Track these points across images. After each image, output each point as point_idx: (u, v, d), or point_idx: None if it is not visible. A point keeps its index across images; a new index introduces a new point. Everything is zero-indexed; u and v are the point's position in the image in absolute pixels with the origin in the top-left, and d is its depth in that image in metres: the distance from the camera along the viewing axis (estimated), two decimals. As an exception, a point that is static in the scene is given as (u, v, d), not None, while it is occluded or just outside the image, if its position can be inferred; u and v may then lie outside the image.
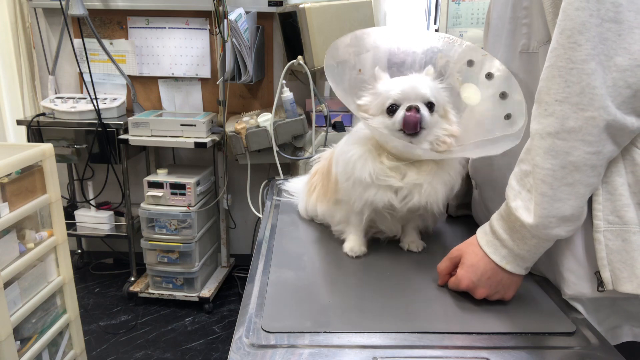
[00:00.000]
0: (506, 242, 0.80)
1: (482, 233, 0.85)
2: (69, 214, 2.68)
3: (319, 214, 1.14)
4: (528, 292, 0.87)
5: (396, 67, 1.06)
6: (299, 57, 2.01)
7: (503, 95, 0.97)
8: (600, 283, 0.78)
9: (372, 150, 0.94)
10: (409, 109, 0.90)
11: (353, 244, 1.02)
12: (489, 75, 1.00)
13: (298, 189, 1.30)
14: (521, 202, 0.77)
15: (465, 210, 1.21)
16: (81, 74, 2.55)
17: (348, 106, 0.94)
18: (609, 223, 0.76)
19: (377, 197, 0.93)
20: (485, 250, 0.82)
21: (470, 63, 1.03)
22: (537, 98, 0.74)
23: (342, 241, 1.05)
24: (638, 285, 0.74)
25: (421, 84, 0.93)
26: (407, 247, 1.04)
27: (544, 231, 0.75)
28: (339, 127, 2.13)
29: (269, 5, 2.43)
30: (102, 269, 2.94)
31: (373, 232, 1.07)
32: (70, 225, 2.60)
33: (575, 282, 0.82)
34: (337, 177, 1.01)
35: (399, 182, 0.92)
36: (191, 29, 2.57)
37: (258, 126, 2.17)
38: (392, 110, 0.93)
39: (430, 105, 0.92)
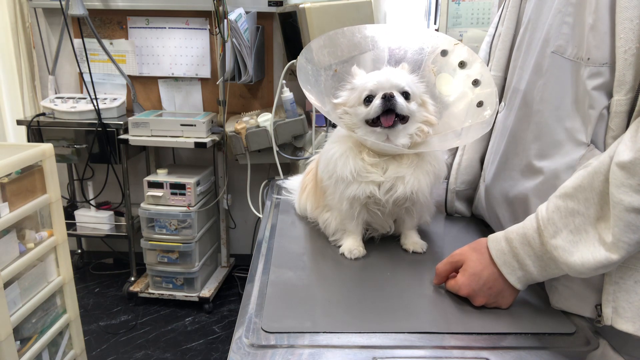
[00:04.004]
0: (528, 267, 0.78)
1: (499, 252, 0.81)
2: (69, 214, 2.68)
3: (309, 213, 1.16)
4: (528, 293, 0.87)
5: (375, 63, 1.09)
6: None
7: (475, 83, 1.00)
8: (598, 315, 0.77)
9: (353, 148, 0.96)
10: (383, 97, 0.92)
11: (351, 245, 1.02)
12: (462, 64, 1.02)
13: (296, 187, 1.31)
14: (562, 241, 0.73)
15: (464, 208, 1.20)
16: (81, 74, 2.55)
17: (321, 110, 0.96)
18: (625, 261, 0.73)
19: (358, 191, 0.94)
20: (501, 270, 0.80)
21: (444, 53, 1.05)
22: (631, 168, 0.67)
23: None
24: None
25: (395, 75, 0.96)
26: (411, 249, 1.03)
27: (583, 275, 0.73)
28: (339, 127, 2.13)
29: (269, 5, 2.43)
30: (102, 269, 2.94)
31: (368, 233, 1.07)
32: (70, 225, 2.60)
33: (566, 298, 0.82)
34: (321, 176, 1.03)
35: (381, 177, 0.94)
36: (191, 29, 2.57)
37: (258, 126, 2.17)
38: (368, 100, 0.95)
39: (405, 95, 0.95)
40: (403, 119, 0.94)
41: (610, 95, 0.76)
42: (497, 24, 1.09)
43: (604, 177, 0.70)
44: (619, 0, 0.72)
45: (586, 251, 0.71)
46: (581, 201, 0.73)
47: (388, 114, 0.93)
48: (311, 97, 0.95)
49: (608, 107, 0.76)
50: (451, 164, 1.17)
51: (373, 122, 0.95)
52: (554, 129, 0.83)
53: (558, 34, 0.82)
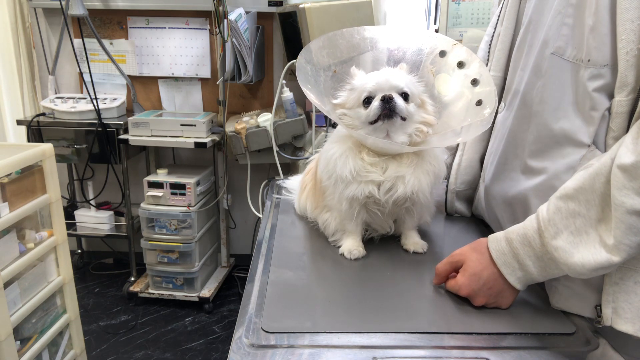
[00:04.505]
0: (528, 267, 0.78)
1: (500, 252, 0.81)
2: (69, 214, 2.68)
3: (308, 213, 1.16)
4: (528, 293, 0.87)
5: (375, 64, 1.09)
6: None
7: (474, 82, 1.00)
8: (598, 316, 0.77)
9: (353, 147, 0.97)
10: (382, 98, 0.93)
11: (351, 246, 1.01)
12: (461, 64, 1.02)
13: (296, 187, 1.31)
14: (562, 243, 0.73)
15: (464, 208, 1.20)
16: (81, 74, 2.55)
17: (321, 109, 0.96)
18: (626, 262, 0.72)
19: (358, 191, 0.94)
20: (501, 270, 0.80)
21: (442, 54, 1.05)
22: (633, 171, 0.67)
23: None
24: None
25: (394, 76, 0.96)
26: (412, 249, 1.03)
27: (583, 276, 0.73)
28: (339, 127, 2.13)
29: (269, 5, 2.43)
30: (102, 269, 2.94)
31: (368, 234, 1.07)
32: (70, 225, 2.60)
33: (566, 299, 0.82)
34: (320, 176, 1.03)
35: (380, 176, 0.94)
36: (191, 29, 2.57)
37: (258, 126, 2.17)
38: (368, 102, 0.95)
39: (404, 96, 0.95)
40: (401, 117, 0.94)
41: (611, 96, 0.76)
42: (496, 24, 1.09)
43: (605, 179, 0.70)
44: (620, 1, 0.72)
45: (587, 253, 0.71)
46: (582, 202, 0.73)
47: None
48: (311, 96, 0.96)
49: (609, 108, 0.76)
50: (451, 164, 1.17)
51: (373, 121, 0.95)
52: (554, 130, 0.83)
53: (557, 35, 0.82)
